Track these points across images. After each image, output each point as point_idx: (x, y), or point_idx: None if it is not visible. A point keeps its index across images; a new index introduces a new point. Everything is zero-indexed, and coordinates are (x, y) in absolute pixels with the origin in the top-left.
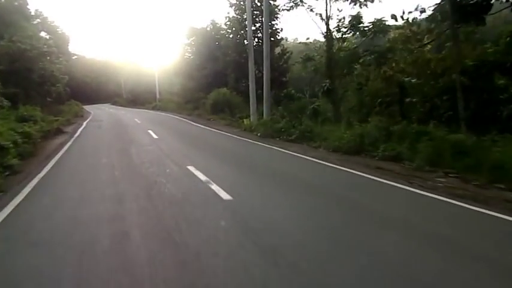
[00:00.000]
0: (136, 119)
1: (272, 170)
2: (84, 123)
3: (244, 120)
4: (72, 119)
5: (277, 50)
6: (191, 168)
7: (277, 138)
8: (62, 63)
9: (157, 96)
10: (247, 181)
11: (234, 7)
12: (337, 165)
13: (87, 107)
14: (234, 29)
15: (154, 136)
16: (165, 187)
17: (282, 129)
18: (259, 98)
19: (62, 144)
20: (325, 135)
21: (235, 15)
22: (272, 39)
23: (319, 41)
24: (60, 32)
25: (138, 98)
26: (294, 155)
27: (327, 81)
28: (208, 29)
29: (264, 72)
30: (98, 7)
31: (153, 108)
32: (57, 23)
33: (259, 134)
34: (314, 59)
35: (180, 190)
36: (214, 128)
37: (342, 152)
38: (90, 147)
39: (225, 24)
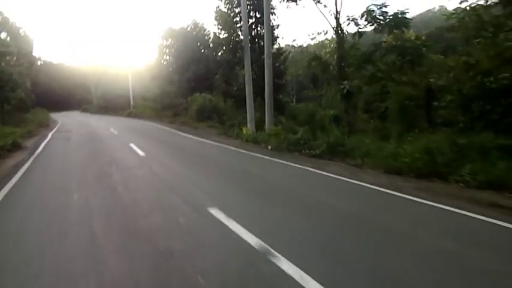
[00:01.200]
0: (112, 129)
1: (335, 212)
2: (50, 135)
3: (244, 129)
4: (36, 129)
5: (273, 48)
6: (217, 212)
7: (296, 153)
8: (23, 66)
9: (132, 102)
10: (325, 242)
11: (223, 0)
12: (423, 199)
13: (54, 115)
14: (224, 24)
15: (141, 153)
16: (194, 273)
17: (301, 141)
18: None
19: (16, 167)
20: (364, 149)
21: (224, 8)
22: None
23: (326, 39)
24: (22, 34)
25: (110, 104)
26: (342, 180)
27: (345, 82)
28: (188, 29)
29: (266, 72)
30: (66, 10)
31: (128, 116)
32: (20, 25)
33: (270, 147)
34: (321, 58)
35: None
36: (209, 140)
37: (403, 174)
38: (54, 171)
39: (215, 19)
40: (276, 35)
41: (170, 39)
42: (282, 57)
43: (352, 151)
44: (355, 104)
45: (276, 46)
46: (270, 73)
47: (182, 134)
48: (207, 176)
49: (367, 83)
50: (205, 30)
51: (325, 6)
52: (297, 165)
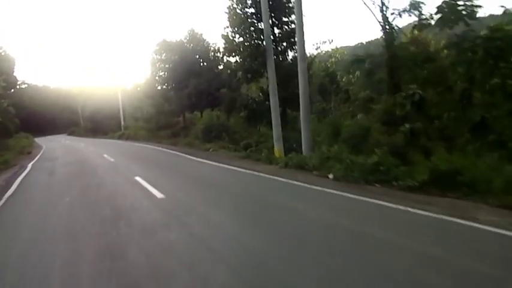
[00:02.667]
0: (105, 155)
1: None
2: (29, 166)
3: (276, 151)
4: (14, 158)
5: (292, 53)
6: None
7: (377, 185)
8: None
9: (122, 122)
10: None
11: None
12: None
13: (39, 140)
14: (239, 26)
15: (157, 193)
16: None
17: (381, 168)
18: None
19: None
20: (496, 180)
21: (238, 10)
22: (284, 43)
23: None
24: (3, 53)
25: (99, 126)
26: None
27: (413, 86)
28: (185, 40)
29: (300, 79)
30: (51, 30)
31: (120, 138)
32: (0, 44)
33: (331, 177)
34: (364, 60)
35: None
36: (235, 166)
37: None
38: (28, 238)
39: (228, 20)
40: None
41: (164, 53)
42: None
43: (477, 182)
44: (428, 114)
45: (293, 52)
46: (306, 81)
47: (195, 158)
48: (289, 244)
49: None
50: (204, 40)
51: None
52: (416, 211)
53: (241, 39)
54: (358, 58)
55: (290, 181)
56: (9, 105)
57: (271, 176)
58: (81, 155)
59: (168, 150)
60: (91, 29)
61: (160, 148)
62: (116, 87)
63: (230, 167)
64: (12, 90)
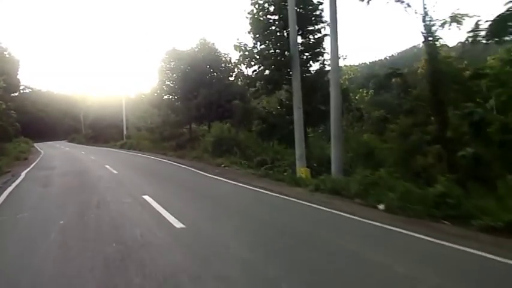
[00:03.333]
0: (108, 166)
1: None
2: (23, 174)
3: (303, 171)
4: (9, 164)
5: (315, 65)
6: None
7: (446, 222)
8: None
9: (125, 131)
10: None
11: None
12: None
13: (39, 145)
14: (261, 33)
15: (176, 223)
16: None
17: (448, 201)
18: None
19: None
20: None
21: (257, 12)
22: (307, 53)
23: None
24: (8, 55)
25: (101, 134)
26: None
27: (469, 104)
28: (196, 49)
29: (332, 93)
30: (57, 36)
31: (123, 147)
32: (5, 45)
33: (382, 207)
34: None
35: None
36: (255, 187)
37: None
38: None
39: (250, 24)
40: (323, 47)
41: (173, 62)
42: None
43: None
44: (488, 137)
45: (318, 63)
46: (338, 94)
47: (208, 175)
48: None
49: None
50: (216, 50)
51: (408, 5)
52: None
53: (263, 46)
54: (394, 71)
55: (330, 210)
56: (10, 109)
57: (303, 202)
58: (81, 165)
59: (175, 164)
60: (98, 36)
61: (166, 160)
62: (120, 95)
63: (251, 187)
64: (16, 93)
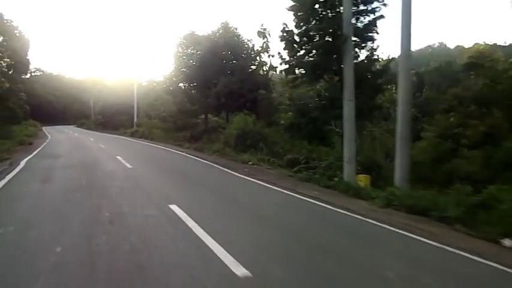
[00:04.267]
0: (119, 157)
1: None
2: (23, 163)
3: (361, 178)
4: (11, 150)
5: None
6: None
7: None
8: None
9: (135, 119)
10: None
11: None
12: None
13: (47, 129)
14: (306, 10)
15: (231, 263)
16: None
17: None
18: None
19: None
20: None
21: None
22: (355, 38)
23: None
24: (18, 34)
25: (110, 120)
26: None
27: None
28: (218, 34)
29: (401, 83)
30: (70, 19)
31: (133, 135)
32: (16, 24)
33: (509, 244)
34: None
35: None
36: (306, 196)
37: None
38: None
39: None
40: (374, 32)
41: (191, 47)
42: (376, 68)
43: None
44: None
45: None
46: (409, 87)
47: (238, 175)
48: None
49: None
50: (239, 35)
51: None
52: None
53: (305, 27)
54: (474, 63)
55: (434, 243)
56: (21, 91)
57: (382, 225)
58: (89, 154)
59: (195, 158)
60: (111, 20)
61: (184, 153)
62: (132, 81)
63: (302, 197)
64: (27, 75)
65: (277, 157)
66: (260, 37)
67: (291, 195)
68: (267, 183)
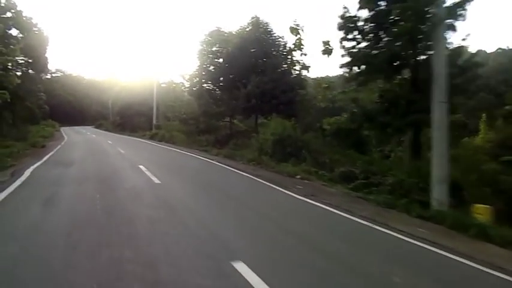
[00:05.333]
0: (143, 167)
1: None
2: (27, 173)
3: (480, 210)
4: (20, 153)
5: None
6: None
7: None
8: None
9: (154, 121)
10: None
11: None
12: None
13: (65, 130)
14: None
15: None
16: None
17: None
18: None
19: None
20: None
21: None
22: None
23: None
24: (37, 31)
25: (128, 122)
26: None
27: None
28: (247, 29)
29: None
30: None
31: (153, 138)
32: (35, 21)
33: None
34: None
35: None
36: (427, 242)
37: None
38: None
39: None
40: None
41: (217, 45)
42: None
43: None
44: None
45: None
46: None
47: (294, 195)
48: None
49: None
50: (270, 31)
51: None
52: None
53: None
54: None
55: None
56: (40, 91)
57: None
58: (107, 162)
59: (231, 169)
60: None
61: (216, 163)
62: (151, 81)
63: (402, 236)
64: (49, 76)
65: (324, 168)
66: (293, 34)
67: (387, 234)
68: (339, 210)
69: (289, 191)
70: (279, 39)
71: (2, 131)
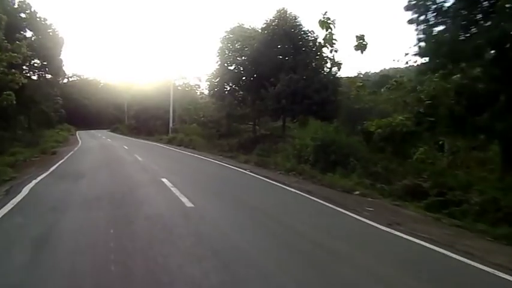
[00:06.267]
0: (166, 181)
1: None
2: (23, 193)
3: None
4: (25, 163)
5: None
6: None
7: None
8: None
9: (171, 124)
10: None
11: None
12: None
13: (80, 134)
14: None
15: None
16: None
17: None
18: None
19: None
20: None
21: None
22: None
23: None
24: (51, 33)
25: (144, 125)
26: None
27: None
28: (274, 23)
29: None
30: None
31: (171, 143)
32: (50, 22)
33: None
34: None
35: None
36: None
37: None
38: None
39: None
40: None
41: (239, 42)
42: None
43: None
44: None
45: None
46: None
47: (371, 224)
48: None
49: None
50: (299, 25)
51: None
52: None
53: None
54: None
55: None
56: (57, 95)
57: None
58: (123, 175)
59: (273, 183)
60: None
61: (250, 173)
62: (168, 83)
63: None
64: (65, 80)
65: (379, 180)
66: (322, 28)
67: None
68: (454, 253)
69: (362, 216)
70: (308, 34)
71: (16, 136)
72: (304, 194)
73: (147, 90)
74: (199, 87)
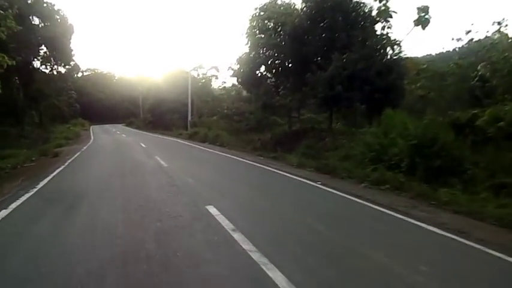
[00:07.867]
0: (215, 211)
1: None
2: None
3: None
4: (11, 173)
5: None
6: None
7: None
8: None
9: (190, 118)
10: None
11: None
12: None
13: (94, 128)
14: None
15: None
16: None
17: None
18: None
19: None
20: None
21: None
22: None
23: None
24: (59, 19)
25: (160, 119)
26: None
27: None
28: None
29: None
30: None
31: (192, 138)
32: (58, 8)
33: None
34: None
35: None
36: None
37: None
38: None
39: None
40: None
41: (272, 20)
42: None
43: None
44: None
45: None
46: None
47: None
48: None
49: None
50: None
51: None
52: None
53: None
54: None
55: None
56: (71, 89)
57: None
58: (145, 194)
59: (371, 206)
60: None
61: (323, 187)
62: (185, 76)
63: None
64: (80, 75)
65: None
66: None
67: None
68: None
69: None
70: (361, 5)
71: (23, 132)
72: (457, 238)
73: (162, 83)
74: (217, 78)
